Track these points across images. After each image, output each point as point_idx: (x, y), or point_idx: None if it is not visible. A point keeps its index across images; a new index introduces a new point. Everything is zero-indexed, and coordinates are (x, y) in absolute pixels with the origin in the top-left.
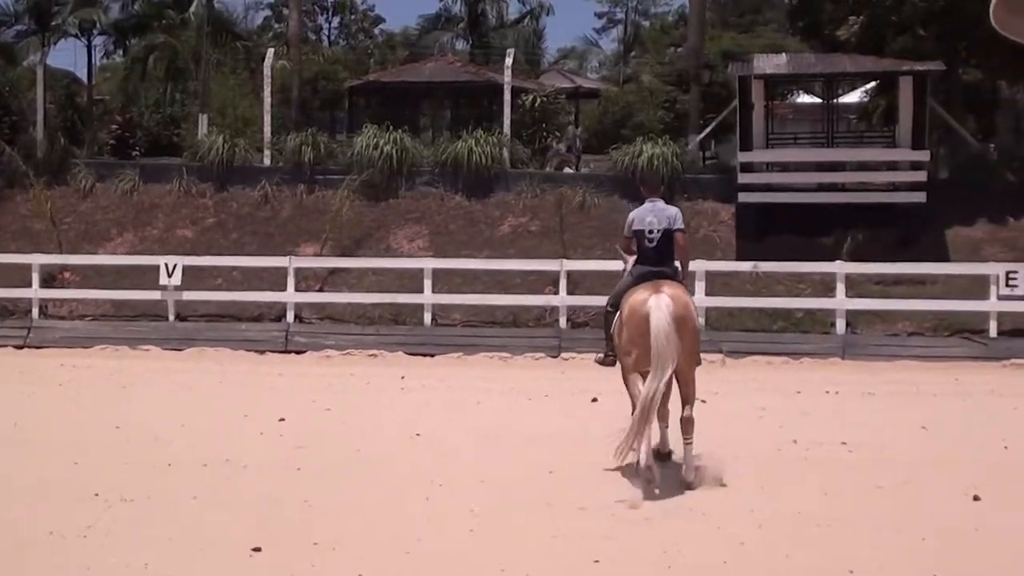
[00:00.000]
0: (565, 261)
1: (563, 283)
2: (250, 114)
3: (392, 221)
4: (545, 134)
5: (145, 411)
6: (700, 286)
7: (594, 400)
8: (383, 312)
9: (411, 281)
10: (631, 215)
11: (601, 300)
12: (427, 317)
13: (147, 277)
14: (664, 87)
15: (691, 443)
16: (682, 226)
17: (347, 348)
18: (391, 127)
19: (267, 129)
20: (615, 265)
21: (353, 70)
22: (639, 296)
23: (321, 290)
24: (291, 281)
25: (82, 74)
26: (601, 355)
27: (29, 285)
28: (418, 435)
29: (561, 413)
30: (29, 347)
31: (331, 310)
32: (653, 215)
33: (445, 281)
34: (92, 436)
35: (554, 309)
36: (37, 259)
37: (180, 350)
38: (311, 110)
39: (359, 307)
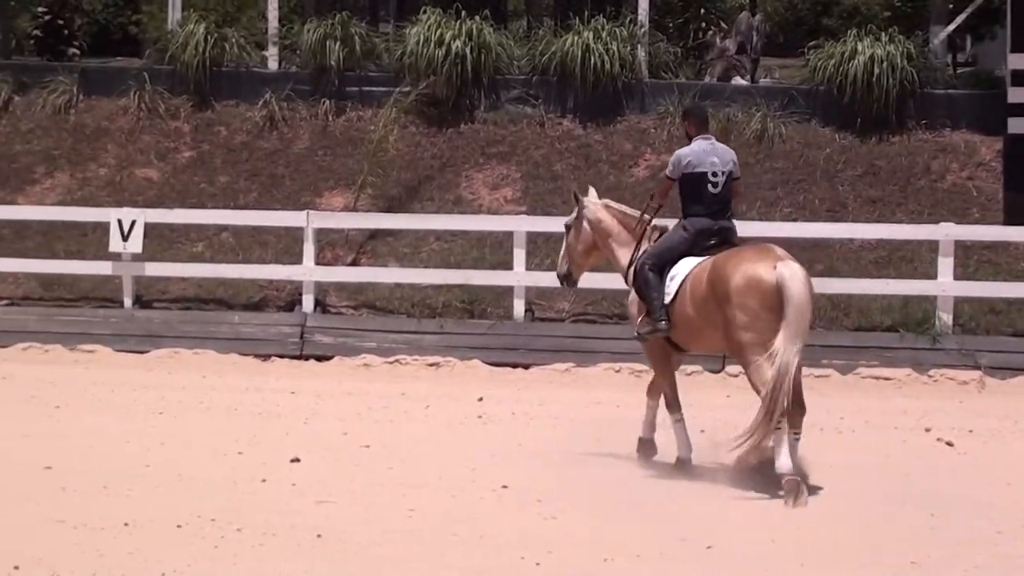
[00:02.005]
0: (734, 222)
1: None
2: None
3: (465, 157)
4: (704, 24)
5: (88, 445)
6: (946, 263)
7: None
8: (451, 299)
9: (494, 251)
10: (683, 154)
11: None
12: (518, 307)
13: (91, 241)
14: None
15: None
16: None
17: (395, 353)
18: (463, 12)
19: (272, 14)
20: (812, 229)
21: None
22: (755, 262)
23: (356, 263)
24: (309, 249)
25: None
26: (649, 327)
27: None
28: (505, 487)
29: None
30: None
31: (371, 294)
32: (715, 155)
33: (547, 251)
34: (8, 481)
35: None
36: None
37: (142, 352)
38: None
39: (414, 290)
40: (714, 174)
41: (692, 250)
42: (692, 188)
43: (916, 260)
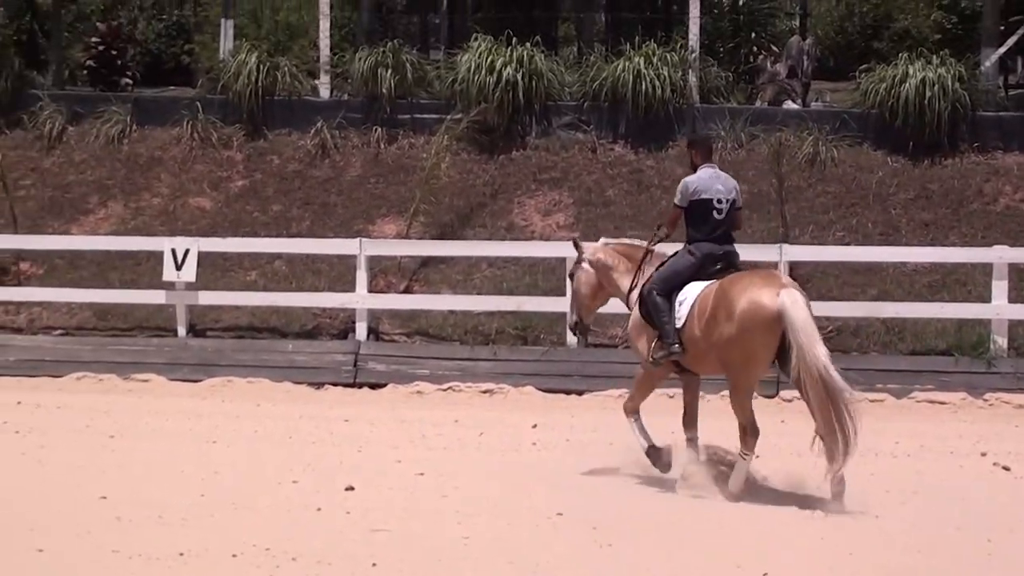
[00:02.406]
0: (786, 247)
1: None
2: (298, 20)
3: (517, 184)
4: (754, 48)
5: (143, 474)
6: (1000, 286)
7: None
8: (504, 325)
9: (547, 278)
10: (690, 182)
11: (842, 306)
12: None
13: (145, 270)
14: None
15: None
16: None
17: (448, 380)
18: (513, 39)
19: (324, 43)
20: (865, 253)
21: None
22: (760, 287)
23: (409, 290)
24: (363, 276)
25: None
26: (663, 351)
27: None
28: (560, 515)
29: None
30: None
31: (424, 321)
32: (720, 183)
33: None
34: (64, 512)
35: None
36: None
37: (195, 381)
38: (392, 13)
39: (467, 317)
40: (719, 201)
41: (699, 274)
42: (698, 215)
43: (970, 283)
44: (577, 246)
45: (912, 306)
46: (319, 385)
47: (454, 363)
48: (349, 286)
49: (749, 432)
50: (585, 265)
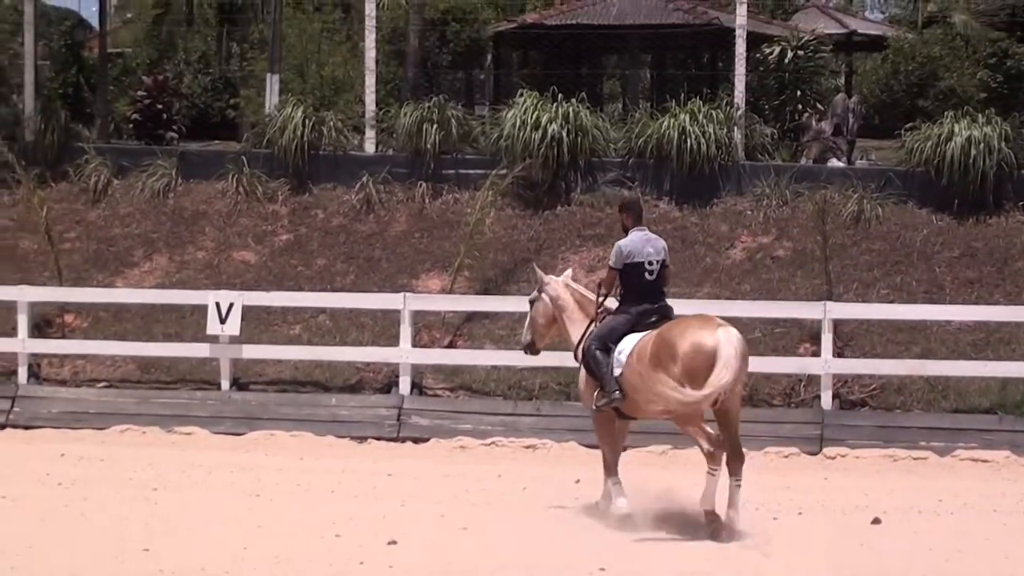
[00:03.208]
0: (831, 304)
1: (827, 338)
2: (344, 76)
3: (562, 239)
4: (800, 106)
5: (186, 528)
6: None
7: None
8: (547, 380)
9: None
10: (623, 246)
11: (886, 363)
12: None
13: (189, 323)
14: (988, 32)
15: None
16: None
17: (491, 435)
18: (559, 95)
19: (370, 98)
20: (909, 311)
21: (501, 7)
22: (697, 331)
23: (452, 345)
24: (406, 331)
25: (92, 16)
26: (605, 399)
27: (13, 333)
28: (602, 570)
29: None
30: (13, 426)
31: (468, 376)
32: (650, 246)
33: None
34: (106, 565)
35: (813, 379)
36: (25, 294)
37: (239, 435)
38: (437, 69)
39: (510, 372)
40: (650, 263)
41: (635, 328)
42: (631, 277)
43: (1014, 342)
44: (540, 276)
45: (956, 364)
46: (362, 439)
47: (497, 418)
48: (393, 340)
49: (715, 447)
50: (545, 298)
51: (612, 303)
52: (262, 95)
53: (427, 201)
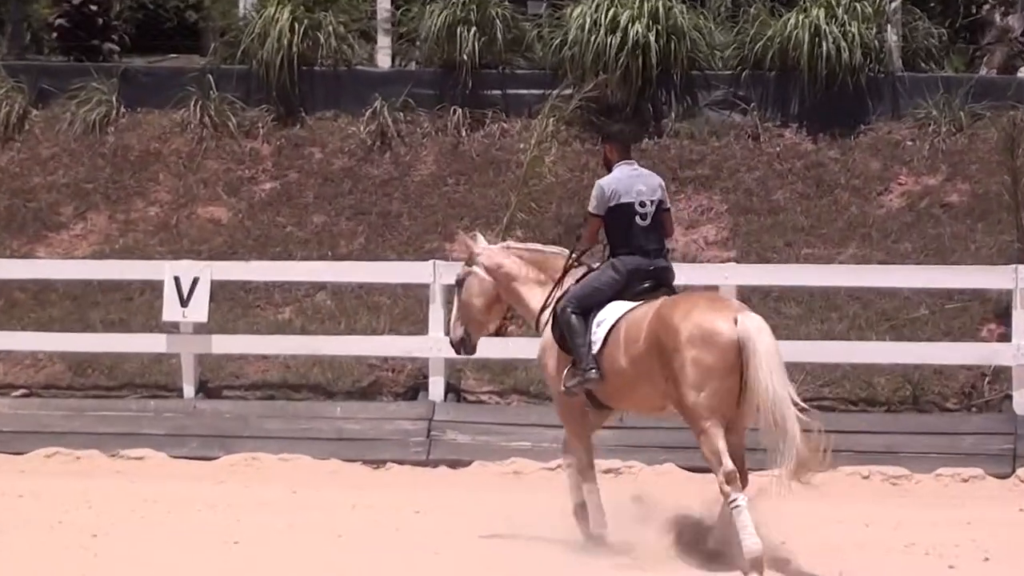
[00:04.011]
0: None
1: (1021, 316)
2: None
3: None
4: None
5: None
6: None
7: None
8: None
9: None
10: (605, 184)
11: None
12: None
13: (138, 306)
14: None
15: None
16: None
17: (557, 456)
18: None
19: None
20: None
21: None
22: (708, 312)
23: (501, 332)
24: (438, 313)
25: None
26: (577, 379)
27: None
28: None
29: None
30: None
31: (523, 375)
32: (641, 182)
33: (765, 312)
34: None
35: (1000, 373)
36: None
37: (209, 459)
38: None
39: None
40: (642, 204)
41: (623, 294)
42: (619, 223)
43: None
44: (469, 244)
45: None
46: (379, 463)
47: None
48: (420, 327)
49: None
50: (479, 271)
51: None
52: None
53: (463, 134)
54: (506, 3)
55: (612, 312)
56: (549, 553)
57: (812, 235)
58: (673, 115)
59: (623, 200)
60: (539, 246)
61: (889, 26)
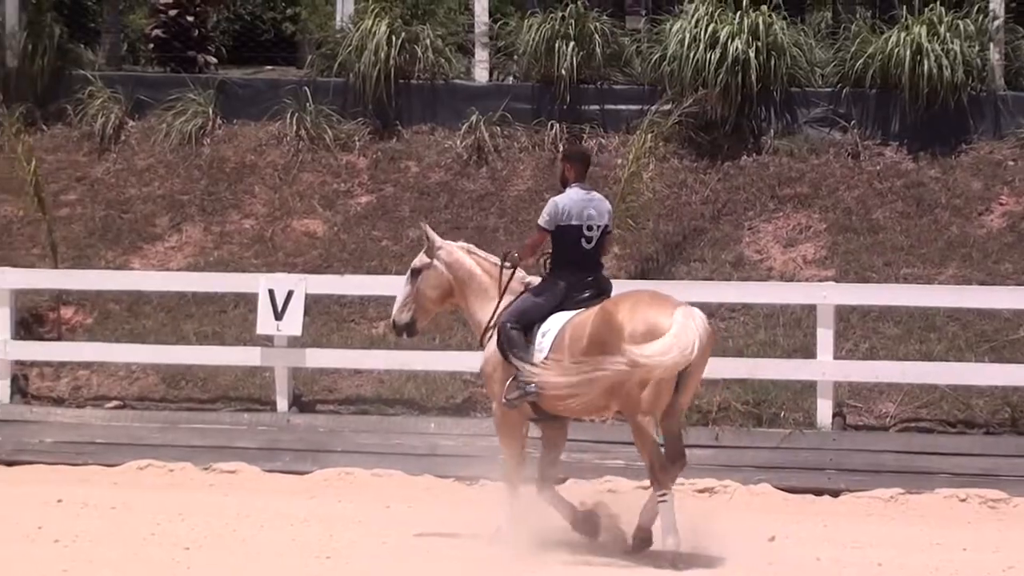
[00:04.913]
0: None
1: None
2: None
3: (749, 201)
4: None
5: None
6: None
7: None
8: (729, 398)
9: (790, 332)
10: (559, 203)
11: None
12: (824, 410)
13: (232, 319)
14: None
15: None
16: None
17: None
18: (744, 1)
19: (481, 7)
20: None
21: None
22: (649, 308)
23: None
24: None
25: None
26: (518, 392)
27: None
28: None
29: None
30: None
31: None
32: (592, 207)
33: (863, 333)
34: None
35: None
36: (6, 279)
37: (301, 473)
38: None
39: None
40: (589, 228)
41: (564, 304)
42: (564, 242)
43: None
44: (430, 236)
45: None
46: (473, 480)
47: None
48: None
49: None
50: (439, 265)
51: (525, 277)
52: (331, 3)
53: (560, 148)
54: (605, 18)
55: (556, 321)
56: (634, 561)
57: (912, 255)
58: (773, 132)
59: (573, 222)
60: (491, 256)
61: (992, 44)
